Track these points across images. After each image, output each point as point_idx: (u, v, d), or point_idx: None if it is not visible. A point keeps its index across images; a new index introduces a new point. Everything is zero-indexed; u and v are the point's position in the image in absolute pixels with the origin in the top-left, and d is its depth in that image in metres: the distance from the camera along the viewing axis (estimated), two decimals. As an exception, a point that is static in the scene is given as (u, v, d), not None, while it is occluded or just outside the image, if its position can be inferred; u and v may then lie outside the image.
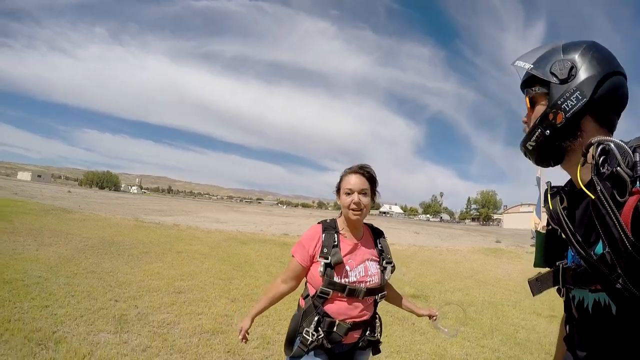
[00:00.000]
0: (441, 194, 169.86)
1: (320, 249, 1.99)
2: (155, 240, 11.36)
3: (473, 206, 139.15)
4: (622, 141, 0.87)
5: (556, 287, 1.14)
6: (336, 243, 2.01)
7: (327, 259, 1.95)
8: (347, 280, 1.96)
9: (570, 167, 1.13)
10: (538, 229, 1.26)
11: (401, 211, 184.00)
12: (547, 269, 1.18)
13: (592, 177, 0.88)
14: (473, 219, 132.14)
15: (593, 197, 0.87)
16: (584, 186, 0.93)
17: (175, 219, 21.21)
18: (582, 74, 1.05)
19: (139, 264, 7.79)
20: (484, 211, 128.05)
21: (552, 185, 1.20)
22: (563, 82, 1.07)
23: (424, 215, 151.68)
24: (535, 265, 1.23)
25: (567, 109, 1.05)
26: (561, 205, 1.10)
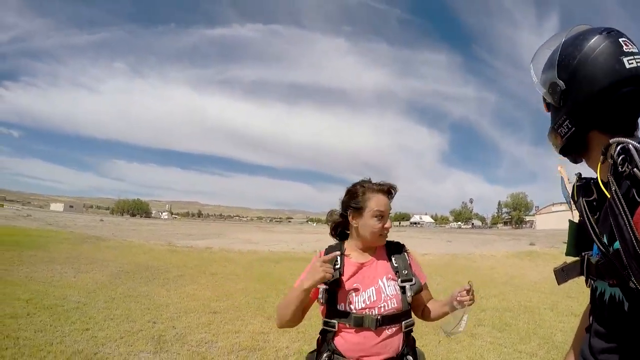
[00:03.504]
0: (471, 200, 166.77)
1: None
2: (189, 263, 11.58)
3: (504, 210, 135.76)
4: None
5: (583, 277, 1.13)
6: (338, 266, 1.76)
7: (325, 283, 1.68)
8: (352, 307, 1.67)
9: (592, 163, 1.12)
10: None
11: (432, 221, 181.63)
12: (574, 259, 1.18)
13: (608, 177, 0.90)
14: (505, 223, 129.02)
15: (609, 196, 0.88)
16: (603, 184, 0.94)
17: (207, 242, 21.51)
18: (571, 100, 1.05)
19: (174, 286, 7.95)
20: (516, 214, 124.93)
21: (581, 176, 1.19)
22: (557, 104, 1.09)
23: (455, 223, 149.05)
24: (567, 253, 1.23)
25: (562, 134, 1.11)
26: (590, 197, 1.09)
